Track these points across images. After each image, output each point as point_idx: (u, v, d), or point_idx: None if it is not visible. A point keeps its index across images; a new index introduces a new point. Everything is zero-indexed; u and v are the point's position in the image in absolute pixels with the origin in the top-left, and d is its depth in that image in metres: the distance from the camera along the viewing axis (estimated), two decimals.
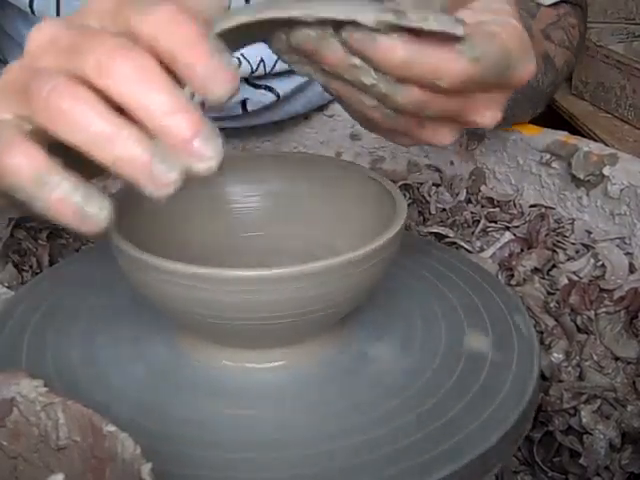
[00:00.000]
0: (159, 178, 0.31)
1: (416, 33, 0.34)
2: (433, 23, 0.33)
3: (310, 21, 0.33)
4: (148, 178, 0.31)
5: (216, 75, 0.31)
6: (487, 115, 0.40)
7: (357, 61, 0.35)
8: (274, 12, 0.33)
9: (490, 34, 0.36)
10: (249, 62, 0.69)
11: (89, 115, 0.31)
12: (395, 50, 0.34)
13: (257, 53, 0.69)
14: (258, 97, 0.74)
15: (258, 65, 0.70)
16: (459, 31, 0.34)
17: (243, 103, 0.74)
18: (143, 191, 0.31)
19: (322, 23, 0.34)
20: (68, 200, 0.31)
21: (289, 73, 0.73)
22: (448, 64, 0.34)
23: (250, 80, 0.73)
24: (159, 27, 0.31)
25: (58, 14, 0.66)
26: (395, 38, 0.34)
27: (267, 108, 0.76)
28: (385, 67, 0.35)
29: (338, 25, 0.34)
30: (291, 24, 0.34)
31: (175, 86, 0.31)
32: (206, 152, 0.31)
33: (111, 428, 0.31)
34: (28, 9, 0.66)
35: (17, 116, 0.33)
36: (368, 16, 0.33)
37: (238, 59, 0.69)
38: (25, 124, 0.33)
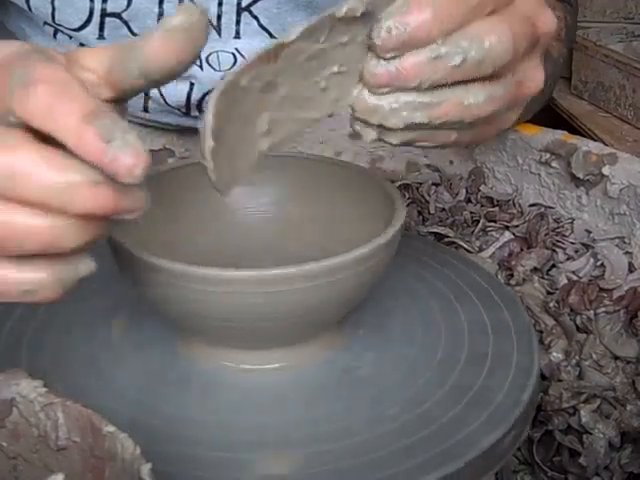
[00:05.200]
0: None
1: None
2: None
3: None
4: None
5: (113, 164, 0.28)
6: (534, 81, 0.40)
7: None
8: None
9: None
10: (245, 59, 0.70)
11: None
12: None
13: (252, 49, 0.70)
14: None
15: None
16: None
17: None
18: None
19: None
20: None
21: None
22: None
23: None
24: (38, 114, 0.29)
25: (54, 10, 0.66)
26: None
27: None
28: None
29: None
30: None
31: None
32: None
33: (111, 428, 0.31)
34: (25, 6, 0.67)
35: None
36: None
37: (233, 55, 0.69)
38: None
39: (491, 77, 0.36)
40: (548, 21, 0.39)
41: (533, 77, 0.39)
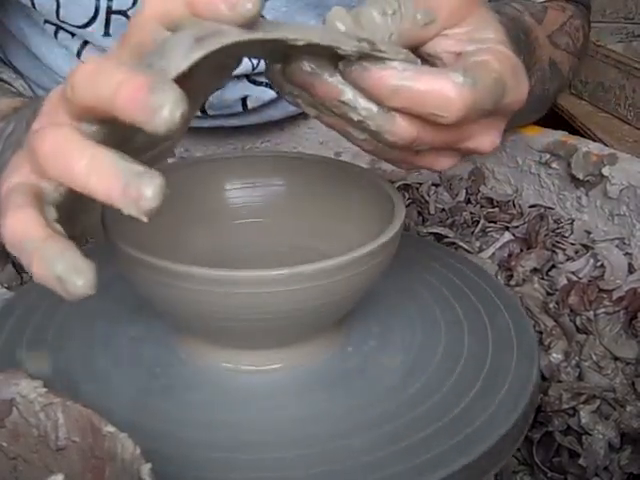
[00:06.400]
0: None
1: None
2: (401, 55, 0.35)
3: (299, 44, 0.34)
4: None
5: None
6: (486, 141, 0.39)
7: (345, 97, 0.36)
8: (262, 34, 0.34)
9: (481, 62, 0.36)
10: (249, 59, 0.70)
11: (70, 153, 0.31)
12: (387, 79, 0.34)
13: None
14: (258, 94, 0.74)
15: (259, 61, 0.70)
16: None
17: (243, 100, 0.74)
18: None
19: (319, 56, 0.36)
20: (49, 270, 0.30)
21: None
22: (444, 92, 0.34)
23: (250, 77, 0.73)
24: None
25: (58, 7, 0.66)
26: (388, 67, 0.35)
27: (267, 105, 0.76)
28: (377, 96, 0.35)
29: (333, 58, 0.36)
30: (282, 49, 0.36)
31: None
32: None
33: (110, 428, 0.31)
34: (29, 2, 0.67)
35: (29, 179, 0.33)
36: (349, 45, 0.35)
37: None
38: (34, 187, 0.33)
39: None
40: (520, 100, 0.38)
41: (482, 139, 0.39)
